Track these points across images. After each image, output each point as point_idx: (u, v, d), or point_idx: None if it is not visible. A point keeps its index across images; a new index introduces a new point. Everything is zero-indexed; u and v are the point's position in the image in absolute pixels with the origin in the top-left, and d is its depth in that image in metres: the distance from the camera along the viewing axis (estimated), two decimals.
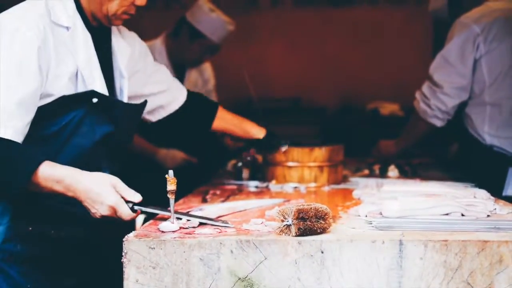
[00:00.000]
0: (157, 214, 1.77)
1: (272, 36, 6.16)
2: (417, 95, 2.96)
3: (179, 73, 3.63)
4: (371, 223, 1.66)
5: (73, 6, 1.93)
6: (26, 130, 1.76)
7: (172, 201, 1.67)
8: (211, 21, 3.49)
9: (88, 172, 1.74)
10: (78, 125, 1.87)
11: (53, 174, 1.71)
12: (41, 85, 1.78)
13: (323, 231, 1.55)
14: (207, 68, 3.84)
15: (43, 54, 1.79)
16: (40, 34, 1.79)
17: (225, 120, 2.49)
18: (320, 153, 2.50)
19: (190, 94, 2.42)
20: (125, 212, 1.69)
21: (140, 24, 5.81)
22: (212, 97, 3.87)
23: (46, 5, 1.87)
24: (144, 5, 1.96)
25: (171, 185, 1.67)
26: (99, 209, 1.70)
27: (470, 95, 2.85)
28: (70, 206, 1.82)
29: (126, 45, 2.11)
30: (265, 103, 4.21)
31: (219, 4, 3.61)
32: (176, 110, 2.36)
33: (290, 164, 2.49)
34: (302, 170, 2.49)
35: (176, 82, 2.41)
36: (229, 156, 2.91)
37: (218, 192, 2.35)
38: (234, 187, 2.50)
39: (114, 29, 2.07)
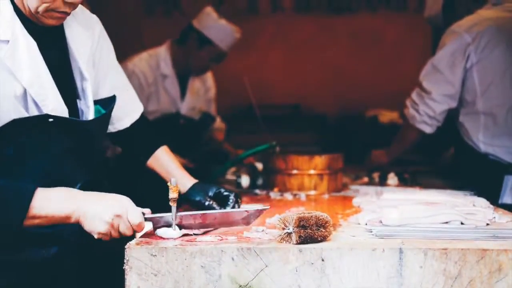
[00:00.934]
0: (168, 222, 1.70)
1: (272, 43, 6.19)
2: (407, 102, 2.99)
3: (183, 81, 3.64)
4: (371, 231, 1.67)
5: (10, 10, 1.69)
6: None
7: (174, 209, 1.67)
8: (219, 28, 3.51)
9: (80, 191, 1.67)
10: (35, 145, 1.71)
11: (54, 196, 1.62)
12: None
13: (324, 239, 1.55)
14: (209, 77, 3.86)
15: None
16: None
17: (158, 163, 2.11)
18: (320, 161, 2.51)
19: (142, 117, 2.14)
20: (136, 215, 1.62)
21: (140, 31, 5.87)
22: (212, 105, 3.89)
23: None
24: (78, 2, 1.69)
25: (173, 193, 1.68)
26: (99, 227, 1.61)
27: (463, 104, 2.87)
28: (44, 228, 1.69)
29: (84, 32, 1.88)
30: (265, 110, 4.22)
31: (218, 10, 3.63)
32: (124, 129, 2.09)
33: (290, 172, 2.50)
34: (302, 178, 2.50)
35: (133, 94, 2.13)
36: (229, 163, 2.92)
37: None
38: None
39: (67, 20, 1.80)
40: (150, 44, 3.95)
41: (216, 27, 3.51)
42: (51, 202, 1.61)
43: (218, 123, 3.97)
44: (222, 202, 2.01)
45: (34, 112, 1.70)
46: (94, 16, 1.98)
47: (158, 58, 3.57)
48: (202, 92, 3.79)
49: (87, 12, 1.95)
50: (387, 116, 5.71)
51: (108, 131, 2.04)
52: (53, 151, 1.74)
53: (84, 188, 1.73)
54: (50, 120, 1.70)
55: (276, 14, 6.20)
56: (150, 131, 2.17)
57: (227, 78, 4.48)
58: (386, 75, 6.10)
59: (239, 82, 3.28)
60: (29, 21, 1.72)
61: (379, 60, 6.14)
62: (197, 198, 2.02)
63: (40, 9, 1.67)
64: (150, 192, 2.20)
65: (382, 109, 5.82)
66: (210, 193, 2.02)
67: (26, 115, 1.68)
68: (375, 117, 5.75)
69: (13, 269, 1.74)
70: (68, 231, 1.79)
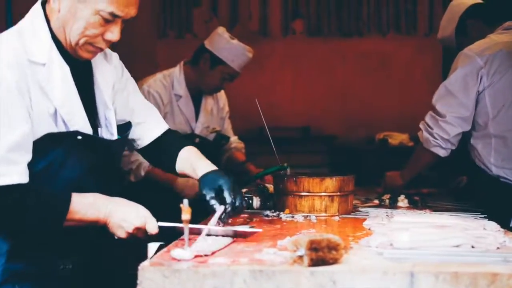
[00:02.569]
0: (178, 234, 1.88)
1: (282, 65, 6.24)
2: (421, 125, 3.00)
3: (196, 101, 3.68)
4: (382, 254, 1.68)
5: (48, 37, 1.86)
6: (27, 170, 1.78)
7: (186, 230, 1.69)
8: (231, 48, 3.54)
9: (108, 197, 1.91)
10: (65, 159, 1.87)
11: (86, 201, 1.85)
12: (29, 132, 1.78)
13: (335, 261, 1.56)
14: (222, 96, 3.89)
15: (25, 94, 1.77)
16: (19, 73, 1.75)
17: (181, 163, 2.25)
18: (331, 183, 2.52)
19: (168, 131, 2.30)
20: (153, 225, 1.87)
21: (154, 53, 5.94)
22: (226, 124, 3.91)
23: (20, 40, 1.81)
24: (116, 40, 1.86)
25: (186, 215, 1.69)
26: (134, 221, 1.86)
27: (475, 127, 2.88)
28: (70, 237, 1.89)
29: (107, 66, 2.05)
30: (275, 132, 4.24)
31: (230, 33, 3.67)
32: (147, 145, 2.26)
33: (301, 193, 2.52)
34: (313, 200, 2.51)
35: (155, 113, 2.30)
36: (242, 184, 2.92)
37: (229, 221, 2.37)
38: (246, 215, 2.52)
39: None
40: (164, 65, 3.99)
41: (228, 47, 3.54)
42: (84, 208, 1.84)
43: (236, 142, 3.97)
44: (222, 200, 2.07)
45: (63, 130, 1.87)
46: (115, 54, 2.17)
47: (172, 78, 3.61)
48: (216, 112, 3.81)
49: (108, 49, 2.09)
50: (397, 138, 5.73)
51: (136, 148, 2.26)
52: (79, 168, 1.90)
53: None
54: (79, 137, 1.88)
55: (287, 37, 6.26)
56: (176, 142, 2.29)
57: (238, 100, 4.50)
58: (396, 97, 6.12)
59: (249, 104, 3.31)
60: (65, 52, 1.88)
61: (388, 83, 6.17)
62: (203, 191, 2.10)
63: (81, 42, 1.84)
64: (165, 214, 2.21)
65: (392, 131, 5.83)
66: (214, 190, 2.08)
67: (56, 131, 1.85)
68: (385, 139, 5.76)
69: (45, 277, 1.90)
70: (87, 243, 2.00)
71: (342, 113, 6.18)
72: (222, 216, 2.03)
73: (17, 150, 1.74)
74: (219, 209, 2.03)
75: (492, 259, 1.65)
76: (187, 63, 3.66)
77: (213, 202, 2.06)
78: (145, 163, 3.35)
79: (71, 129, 1.86)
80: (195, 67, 3.61)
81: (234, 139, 3.95)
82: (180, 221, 1.71)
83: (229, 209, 2.04)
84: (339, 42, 6.21)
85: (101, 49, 1.91)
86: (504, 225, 2.15)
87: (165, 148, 2.26)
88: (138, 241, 1.89)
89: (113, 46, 2.00)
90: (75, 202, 1.83)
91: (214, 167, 2.17)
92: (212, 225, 1.96)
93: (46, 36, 1.85)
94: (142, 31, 5.95)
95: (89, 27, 1.82)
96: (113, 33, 1.85)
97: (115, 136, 2.02)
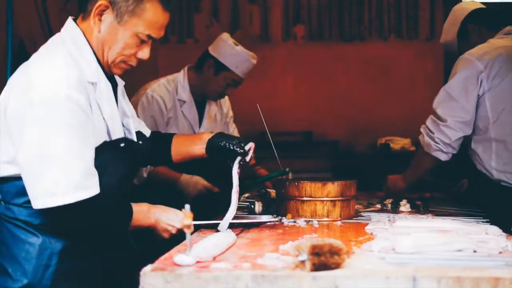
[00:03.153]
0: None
1: (284, 70, 6.24)
2: (422, 129, 3.00)
3: (200, 107, 3.68)
4: (384, 259, 1.68)
5: (94, 57, 2.00)
6: None
7: (188, 235, 1.69)
8: (236, 54, 3.54)
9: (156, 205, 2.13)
10: (106, 166, 1.97)
11: (141, 210, 2.05)
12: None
13: (337, 266, 1.56)
14: (226, 101, 3.89)
15: (89, 112, 1.92)
16: (86, 94, 1.91)
17: (175, 147, 2.44)
18: (333, 187, 2.52)
19: (152, 133, 2.48)
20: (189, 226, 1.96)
21: (155, 57, 5.94)
22: (231, 128, 3.91)
23: (75, 62, 1.94)
24: (146, 59, 2.04)
25: (187, 220, 1.69)
26: (177, 224, 2.08)
27: (476, 131, 2.88)
28: (117, 238, 2.07)
29: (119, 82, 2.20)
30: (277, 137, 4.24)
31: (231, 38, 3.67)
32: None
33: (303, 198, 2.52)
34: (315, 205, 2.51)
35: (140, 121, 2.46)
36: (242, 190, 2.92)
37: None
38: (248, 220, 2.52)
39: None
40: (165, 70, 4.00)
41: (232, 53, 3.54)
42: (140, 216, 2.05)
43: None
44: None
45: (106, 139, 2.03)
46: None
47: (176, 83, 3.61)
48: (219, 117, 3.81)
49: None
50: (399, 143, 5.72)
51: None
52: (115, 177, 2.01)
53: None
54: (122, 145, 2.05)
55: (288, 42, 6.26)
56: (160, 137, 2.48)
57: (240, 105, 4.50)
58: (397, 102, 6.12)
59: (251, 109, 3.31)
60: (103, 68, 2.04)
61: (390, 87, 6.17)
62: (221, 144, 2.31)
63: (117, 60, 2.02)
64: None
65: (394, 135, 5.83)
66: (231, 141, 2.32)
67: (100, 142, 1.99)
68: (387, 144, 5.76)
69: (93, 277, 2.06)
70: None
71: (344, 117, 6.18)
72: (242, 162, 2.28)
73: (92, 163, 1.91)
74: (249, 145, 2.33)
75: (495, 263, 1.65)
76: (191, 69, 3.66)
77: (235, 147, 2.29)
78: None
79: (113, 138, 2.02)
80: (199, 72, 3.61)
81: None
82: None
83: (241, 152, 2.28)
84: (341, 47, 6.22)
85: (132, 66, 2.07)
86: (506, 229, 2.15)
87: (157, 143, 2.43)
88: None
89: None
90: (135, 212, 2.02)
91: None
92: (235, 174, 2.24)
93: (92, 56, 2.00)
94: None
95: (127, 47, 2.00)
96: (145, 52, 2.04)
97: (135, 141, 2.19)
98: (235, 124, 3.99)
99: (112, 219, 2.01)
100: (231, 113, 3.92)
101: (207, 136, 2.37)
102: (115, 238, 2.11)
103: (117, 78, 2.18)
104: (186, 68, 3.67)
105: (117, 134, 2.05)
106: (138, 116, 2.85)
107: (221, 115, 3.83)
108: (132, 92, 3.47)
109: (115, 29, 1.98)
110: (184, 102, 3.60)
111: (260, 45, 5.94)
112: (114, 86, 2.12)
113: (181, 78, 3.62)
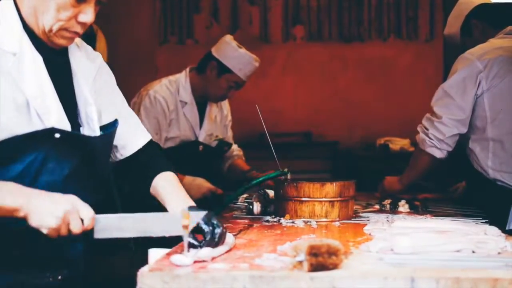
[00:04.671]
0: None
1: (283, 71, 6.24)
2: (418, 127, 3.01)
3: (201, 108, 3.67)
4: (382, 259, 1.68)
5: (19, 26, 1.76)
6: None
7: (185, 236, 1.69)
8: (239, 57, 3.53)
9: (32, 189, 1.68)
10: (44, 162, 1.75)
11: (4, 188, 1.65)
12: None
13: (335, 267, 1.56)
14: (226, 104, 3.88)
15: None
16: None
17: (154, 190, 2.04)
18: (331, 188, 2.52)
19: (150, 143, 2.15)
20: (86, 212, 1.64)
21: (154, 58, 5.94)
22: (228, 132, 3.90)
23: None
24: (91, 22, 1.77)
25: (185, 220, 1.69)
26: (50, 222, 1.61)
27: (473, 131, 2.89)
28: (52, 250, 1.78)
29: (89, 64, 1.95)
30: (277, 138, 4.24)
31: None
32: (130, 156, 2.09)
33: (302, 199, 2.51)
34: (313, 205, 2.51)
35: (138, 122, 2.15)
36: (240, 190, 2.91)
37: (230, 225, 2.37)
38: (246, 221, 2.52)
39: (73, 47, 1.90)
40: (164, 71, 4.00)
41: (235, 55, 3.53)
42: (1, 194, 1.63)
43: (237, 150, 3.95)
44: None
45: (37, 126, 1.73)
46: (98, 53, 2.06)
47: (178, 85, 3.60)
48: (219, 120, 3.80)
49: (91, 49, 2.03)
50: (398, 143, 5.72)
51: (116, 159, 2.08)
52: (60, 172, 1.78)
53: (96, 207, 1.72)
54: (57, 136, 1.73)
55: (288, 43, 6.26)
56: (157, 158, 2.12)
57: (239, 105, 4.50)
58: (397, 102, 6.12)
59: (250, 110, 3.30)
60: (39, 41, 1.78)
61: (389, 88, 6.17)
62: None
63: (55, 27, 1.74)
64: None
65: (393, 136, 5.83)
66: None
67: (28, 128, 1.71)
68: (386, 145, 5.76)
69: None
70: (77, 255, 1.87)
71: (343, 118, 6.17)
72: (202, 244, 1.79)
73: None
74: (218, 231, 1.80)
75: (493, 264, 1.64)
76: (192, 70, 3.65)
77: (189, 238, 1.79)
78: None
79: (47, 125, 1.73)
80: (202, 74, 3.59)
81: (234, 146, 3.95)
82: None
83: (208, 238, 1.77)
84: (340, 47, 6.21)
85: (77, 34, 1.80)
86: (501, 228, 2.15)
87: (144, 164, 2.08)
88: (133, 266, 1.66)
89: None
90: None
91: (188, 202, 1.96)
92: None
93: (16, 25, 1.76)
94: (143, 37, 5.97)
95: (61, 9, 1.73)
96: (87, 14, 1.76)
97: (97, 133, 1.88)
98: (233, 125, 3.98)
99: None
100: (230, 117, 3.92)
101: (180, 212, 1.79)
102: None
103: (76, 59, 1.90)
104: (188, 69, 3.66)
105: (53, 118, 1.75)
106: (141, 118, 2.82)
107: (221, 117, 3.83)
108: (132, 93, 3.47)
109: None
110: (186, 103, 3.59)
111: (259, 45, 5.94)
112: (65, 68, 1.87)
113: (182, 79, 3.61)
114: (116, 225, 1.70)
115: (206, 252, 1.71)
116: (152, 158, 2.11)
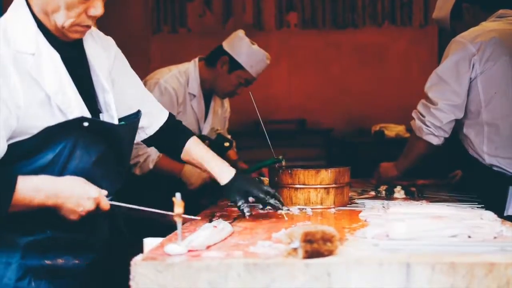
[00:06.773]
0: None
1: (277, 58, 6.21)
2: (414, 114, 2.97)
3: (206, 101, 3.62)
4: (378, 246, 1.67)
5: (33, 25, 1.81)
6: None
7: (179, 224, 1.68)
8: (252, 54, 3.47)
9: (58, 177, 1.80)
10: (73, 150, 1.83)
11: (31, 185, 1.73)
12: (9, 117, 1.72)
13: (330, 253, 1.55)
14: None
15: (5, 88, 1.71)
16: (10, 58, 1.72)
17: (191, 156, 2.28)
18: (326, 175, 2.51)
19: (169, 117, 2.31)
20: (106, 203, 1.84)
21: (148, 47, 5.91)
22: (226, 124, 3.88)
23: (4, 31, 1.76)
24: (101, 14, 1.81)
25: (178, 208, 1.68)
26: (86, 205, 1.78)
27: (467, 115, 2.85)
28: (80, 234, 1.90)
29: (102, 52, 2.01)
30: (271, 125, 4.22)
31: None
32: (154, 133, 2.26)
33: (296, 186, 2.50)
34: (309, 192, 2.50)
35: (155, 102, 2.29)
36: None
37: (225, 213, 2.36)
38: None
39: (87, 37, 1.95)
40: (157, 60, 3.97)
41: (248, 52, 3.46)
42: (31, 188, 1.73)
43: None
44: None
45: (60, 120, 1.80)
46: (110, 38, 2.13)
47: (188, 76, 3.51)
48: (220, 113, 3.76)
49: (103, 34, 2.09)
50: (393, 130, 5.72)
51: (141, 139, 2.25)
52: (88, 159, 1.86)
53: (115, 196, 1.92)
54: (85, 124, 1.82)
55: (281, 30, 6.23)
56: (178, 129, 2.33)
57: None
58: (392, 89, 6.11)
59: (244, 98, 3.28)
60: (53, 37, 1.84)
61: (384, 74, 6.16)
62: (232, 200, 2.22)
63: (66, 24, 1.79)
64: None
65: (388, 123, 5.82)
66: (248, 196, 2.20)
67: (53, 123, 1.79)
68: (381, 131, 5.75)
69: (60, 273, 1.88)
70: (100, 241, 1.99)
71: (338, 105, 6.17)
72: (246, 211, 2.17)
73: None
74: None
75: (489, 248, 1.63)
76: (201, 60, 3.58)
77: (245, 209, 2.19)
78: (153, 156, 3.31)
79: (70, 117, 1.81)
80: (211, 68, 3.52)
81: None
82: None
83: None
84: (334, 34, 6.19)
85: (89, 27, 1.86)
86: (498, 214, 2.14)
87: (171, 135, 2.29)
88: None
89: None
90: (21, 184, 1.72)
91: (231, 169, 2.24)
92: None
93: (31, 25, 1.81)
94: (136, 26, 5.93)
95: (70, 7, 1.77)
96: (96, 8, 1.80)
97: (115, 120, 1.96)
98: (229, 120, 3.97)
99: None
100: (229, 109, 3.89)
101: (227, 175, 2.22)
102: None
103: (91, 49, 1.97)
104: (197, 60, 3.57)
105: (75, 111, 1.83)
106: None
107: (222, 109, 3.79)
108: None
109: None
110: (194, 96, 3.53)
111: (253, 33, 5.89)
112: (81, 59, 1.94)
113: (192, 70, 3.52)
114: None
115: (200, 241, 1.70)
116: (176, 128, 2.31)
